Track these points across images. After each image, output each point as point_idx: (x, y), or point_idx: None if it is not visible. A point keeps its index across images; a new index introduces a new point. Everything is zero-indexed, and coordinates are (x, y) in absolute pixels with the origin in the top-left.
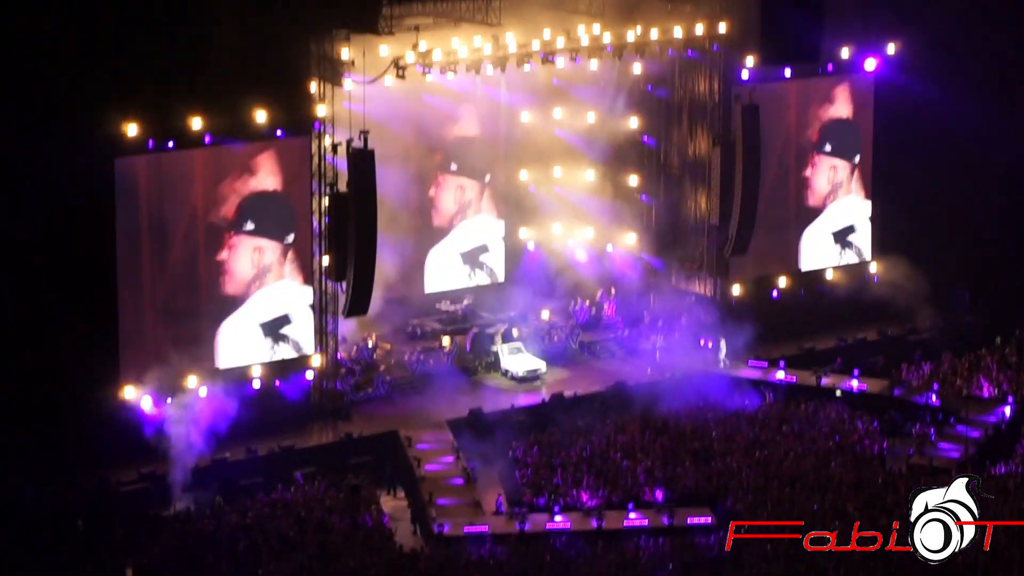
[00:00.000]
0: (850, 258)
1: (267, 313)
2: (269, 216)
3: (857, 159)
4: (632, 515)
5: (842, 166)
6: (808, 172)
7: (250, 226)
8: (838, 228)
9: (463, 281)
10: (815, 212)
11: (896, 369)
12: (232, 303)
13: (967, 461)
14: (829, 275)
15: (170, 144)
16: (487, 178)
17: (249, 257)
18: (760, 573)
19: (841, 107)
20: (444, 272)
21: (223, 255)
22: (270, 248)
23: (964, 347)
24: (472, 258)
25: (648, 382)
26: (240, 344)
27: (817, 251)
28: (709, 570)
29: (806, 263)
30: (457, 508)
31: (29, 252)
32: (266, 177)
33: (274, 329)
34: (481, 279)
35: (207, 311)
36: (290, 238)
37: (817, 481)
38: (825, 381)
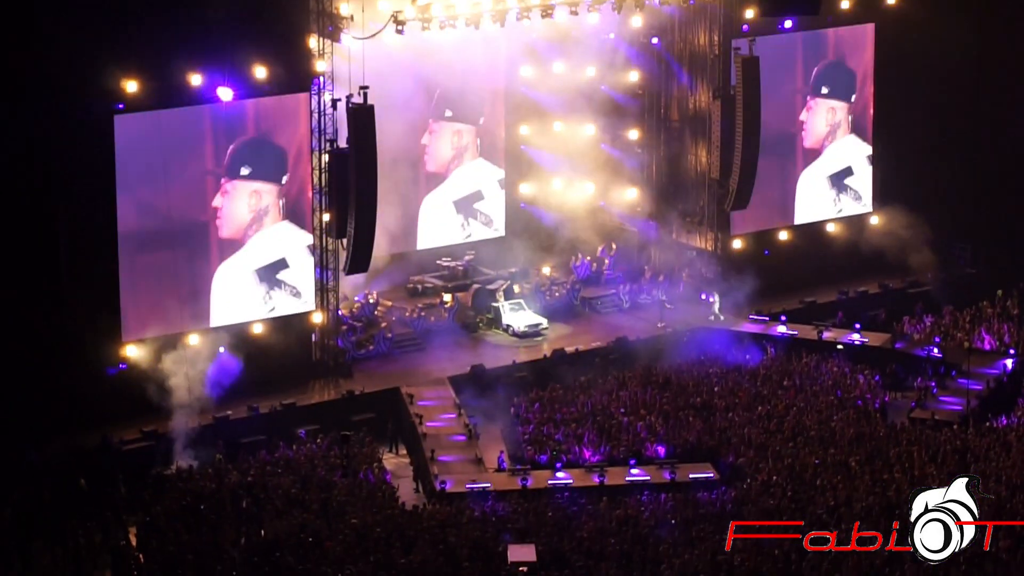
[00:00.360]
0: (847, 203)
1: (263, 258)
2: (262, 159)
3: (853, 98)
4: (634, 471)
5: (839, 107)
6: (804, 116)
7: (245, 171)
8: (835, 171)
9: (457, 232)
10: (813, 154)
11: (898, 322)
12: (230, 247)
13: (969, 414)
14: (830, 228)
15: (170, 101)
16: (481, 120)
17: (246, 201)
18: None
19: (840, 54)
20: (438, 223)
21: (217, 201)
22: (267, 191)
23: (965, 299)
24: (466, 207)
25: (650, 337)
26: (235, 294)
27: (814, 196)
28: (711, 525)
29: (802, 210)
30: (459, 465)
31: (29, 211)
32: (258, 125)
33: (270, 275)
34: (476, 229)
35: (204, 260)
36: (284, 179)
37: (819, 435)
38: (826, 335)
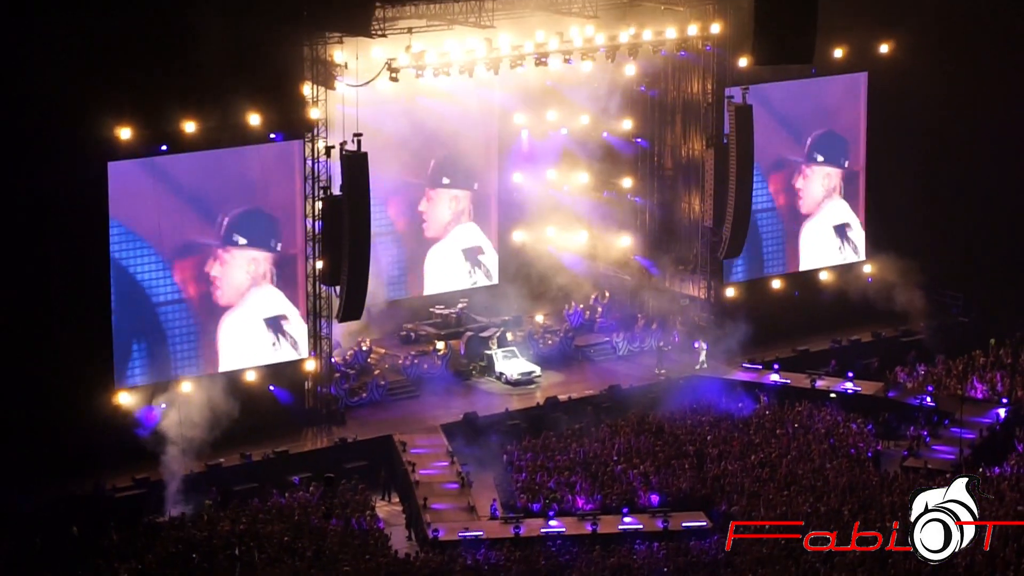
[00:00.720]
0: (848, 254)
1: (268, 309)
2: (258, 228)
3: (847, 164)
4: (627, 519)
5: (834, 173)
6: (800, 183)
7: (242, 240)
8: (838, 222)
9: (463, 279)
10: (808, 217)
11: (890, 371)
12: (226, 310)
13: (961, 463)
14: (824, 276)
15: (163, 148)
16: (475, 186)
17: (244, 268)
18: None
19: (835, 107)
20: (445, 269)
21: (216, 271)
22: (263, 258)
23: (958, 349)
24: (472, 256)
25: (643, 385)
26: (242, 340)
27: (818, 244)
28: (704, 573)
29: (805, 258)
30: (452, 513)
31: (23, 257)
32: (251, 188)
33: (276, 323)
34: (480, 279)
35: (201, 319)
36: (278, 246)
37: (812, 484)
38: (820, 383)
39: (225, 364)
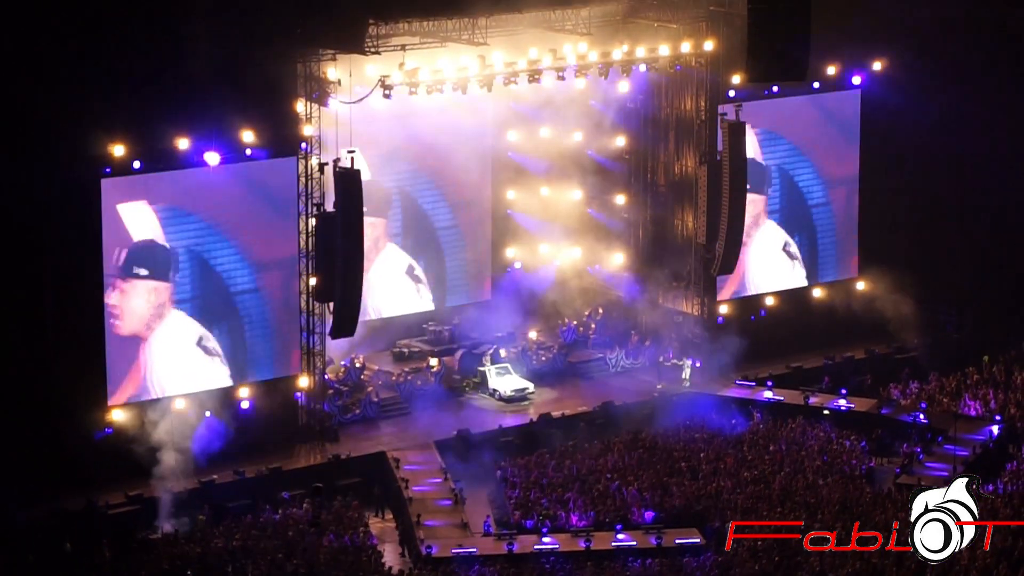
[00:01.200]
0: (799, 271)
1: (190, 333)
2: (156, 259)
3: (769, 191)
4: (620, 536)
5: (758, 200)
6: None
7: (143, 272)
8: (781, 243)
9: (412, 298)
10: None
11: (884, 388)
12: (134, 340)
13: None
14: (816, 293)
15: (157, 165)
16: (389, 214)
17: (145, 298)
18: None
19: (824, 122)
20: (391, 290)
21: (115, 299)
22: (163, 288)
23: (952, 365)
24: (412, 274)
25: (636, 402)
26: (175, 363)
27: (768, 268)
28: None
29: (760, 280)
30: (445, 529)
31: (15, 273)
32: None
33: (202, 342)
34: (425, 294)
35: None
36: (176, 277)
37: (805, 501)
38: (813, 400)
39: (213, 382)
